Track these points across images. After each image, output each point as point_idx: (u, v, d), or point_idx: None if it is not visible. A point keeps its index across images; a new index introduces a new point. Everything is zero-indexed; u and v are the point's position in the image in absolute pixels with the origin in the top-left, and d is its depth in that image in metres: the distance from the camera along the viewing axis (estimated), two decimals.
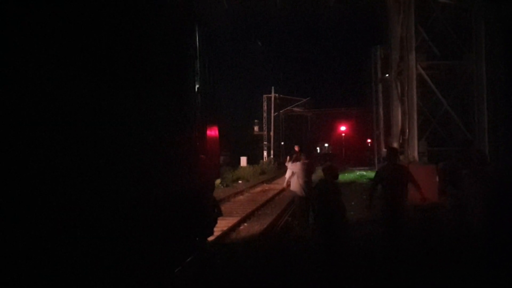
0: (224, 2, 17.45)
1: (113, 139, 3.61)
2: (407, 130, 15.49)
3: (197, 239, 6.16)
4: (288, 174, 9.71)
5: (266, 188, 21.08)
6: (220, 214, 7.12)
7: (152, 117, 4.45)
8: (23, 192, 2.55)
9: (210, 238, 6.99)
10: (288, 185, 9.75)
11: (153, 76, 4.53)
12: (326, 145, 72.46)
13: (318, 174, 9.28)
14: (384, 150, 21.52)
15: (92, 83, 3.30)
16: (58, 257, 2.85)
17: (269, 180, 25.67)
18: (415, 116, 15.46)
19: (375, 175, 6.62)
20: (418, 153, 15.25)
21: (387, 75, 20.81)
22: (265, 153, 44.22)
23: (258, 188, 21.14)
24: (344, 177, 22.92)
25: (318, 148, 71.96)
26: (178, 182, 5.22)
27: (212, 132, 6.59)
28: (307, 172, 9.35)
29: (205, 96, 6.18)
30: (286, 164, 10.05)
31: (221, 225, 8.56)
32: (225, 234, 8.88)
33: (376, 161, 26.30)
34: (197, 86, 5.93)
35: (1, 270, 2.45)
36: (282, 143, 49.97)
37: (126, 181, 3.83)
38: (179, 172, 5.28)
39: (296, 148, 10.30)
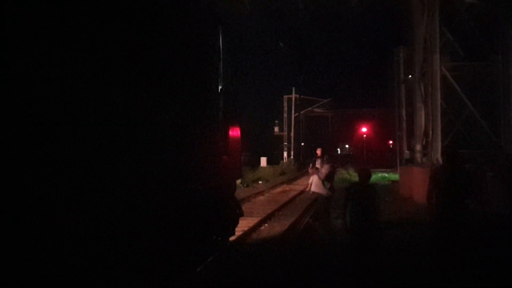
0: (246, 3, 17.47)
1: (137, 140, 3.65)
2: (431, 132, 15.28)
3: (219, 238, 6.20)
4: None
5: (287, 188, 21.04)
6: (241, 214, 7.14)
7: (177, 118, 4.49)
8: (60, 190, 2.62)
9: (232, 238, 7.03)
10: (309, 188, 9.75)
11: (178, 78, 4.57)
12: (347, 146, 72.07)
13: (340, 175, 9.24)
14: (407, 152, 21.29)
15: (121, 85, 3.35)
16: (87, 255, 2.89)
17: (289, 181, 25.62)
18: (439, 118, 15.23)
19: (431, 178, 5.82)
20: (441, 155, 15.02)
21: (410, 76, 20.57)
22: (285, 154, 44.12)
23: (278, 188, 21.11)
24: None
25: (338, 149, 71.62)
26: (201, 182, 5.25)
27: (234, 132, 6.61)
28: (330, 174, 9.37)
29: (228, 97, 6.22)
30: (310, 170, 10.09)
31: (242, 225, 8.57)
32: (246, 234, 8.89)
33: (398, 162, 26.02)
34: (220, 87, 5.97)
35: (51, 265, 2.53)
36: (302, 144, 49.85)
37: (151, 181, 3.87)
38: (202, 172, 5.32)
39: (318, 152, 10.27)
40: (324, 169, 9.28)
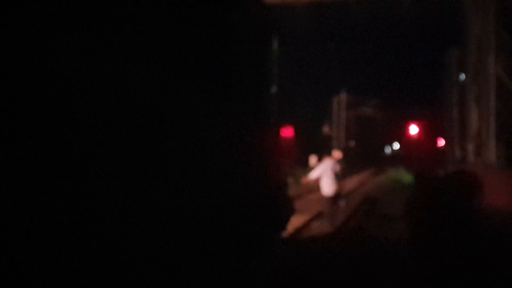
0: (298, 8, 17.70)
1: (200, 140, 3.92)
2: (484, 133, 15.02)
3: (272, 233, 6.43)
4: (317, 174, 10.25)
5: None
6: (293, 211, 7.36)
7: (236, 119, 4.78)
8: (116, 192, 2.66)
9: (284, 234, 7.24)
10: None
11: (237, 81, 4.87)
12: (396, 146, 70.62)
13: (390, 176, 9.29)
14: (459, 152, 20.86)
15: (188, 88, 3.65)
16: (143, 255, 2.92)
17: None
18: (493, 119, 14.95)
19: None
20: (496, 156, 14.74)
21: (463, 76, 20.17)
22: None
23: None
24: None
25: (388, 149, 70.28)
26: (256, 181, 5.50)
27: (287, 132, 6.87)
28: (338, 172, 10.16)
29: (281, 99, 6.47)
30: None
31: (294, 222, 8.81)
32: (298, 231, 9.15)
33: (449, 163, 25.50)
34: (274, 89, 6.22)
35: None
36: (352, 143, 49.45)
37: (212, 180, 4.12)
38: (258, 171, 5.57)
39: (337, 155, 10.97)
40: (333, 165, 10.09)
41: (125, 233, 2.62)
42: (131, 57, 2.83)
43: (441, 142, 38.75)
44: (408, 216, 4.26)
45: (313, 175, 10.23)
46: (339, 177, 10.21)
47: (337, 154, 10.87)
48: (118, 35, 2.71)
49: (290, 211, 7.11)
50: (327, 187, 9.85)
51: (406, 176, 20.97)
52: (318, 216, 11.52)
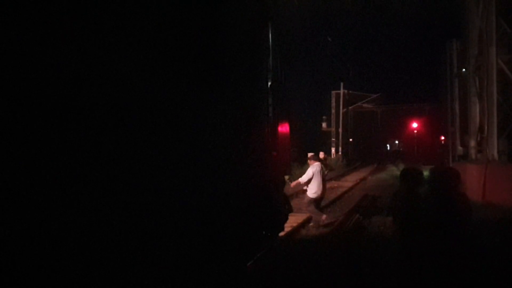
0: None
1: (189, 136, 3.73)
2: (486, 128, 14.73)
3: (268, 234, 6.24)
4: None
5: (335, 185, 20.85)
6: (290, 210, 7.15)
7: (227, 114, 4.55)
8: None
9: (281, 234, 7.05)
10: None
11: (228, 74, 4.63)
12: (397, 142, 70.58)
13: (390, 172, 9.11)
14: (460, 148, 20.62)
15: (169, 81, 3.43)
16: (140, 255, 2.94)
17: (338, 177, 25.36)
18: (495, 113, 14.65)
19: None
20: (498, 151, 14.47)
21: (463, 70, 19.89)
22: (333, 150, 43.66)
23: (327, 185, 20.90)
24: None
25: (388, 145, 70.26)
26: (251, 178, 5.30)
27: (283, 128, 6.62)
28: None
29: (277, 93, 6.23)
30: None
31: (291, 221, 8.61)
32: (295, 230, 8.92)
33: (450, 159, 25.25)
34: (269, 83, 5.99)
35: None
36: (351, 139, 49.22)
37: (202, 177, 3.95)
38: (252, 168, 5.36)
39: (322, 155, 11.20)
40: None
41: (115, 235, 2.64)
42: (117, 49, 2.72)
43: (442, 137, 38.59)
44: (392, 211, 4.64)
45: (304, 179, 10.09)
46: (325, 179, 10.59)
47: (322, 155, 11.01)
48: (105, 27, 2.63)
49: (287, 211, 6.91)
50: (315, 190, 9.89)
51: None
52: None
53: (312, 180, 9.93)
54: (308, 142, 36.88)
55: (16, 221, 2.03)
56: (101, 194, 2.53)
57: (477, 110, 15.80)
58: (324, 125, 47.42)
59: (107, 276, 2.58)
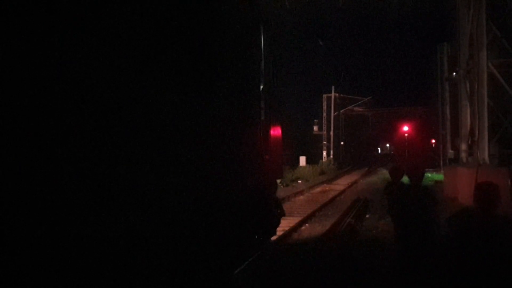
0: (286, 2, 17.42)
1: (179, 139, 3.68)
2: (477, 131, 14.78)
3: (260, 238, 6.19)
4: None
5: (327, 188, 20.86)
6: (282, 214, 7.11)
7: (218, 117, 4.51)
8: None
9: (273, 238, 7.01)
10: None
11: (219, 77, 4.59)
12: (388, 145, 70.86)
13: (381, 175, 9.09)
14: (451, 151, 20.70)
15: (160, 84, 3.38)
16: (128, 257, 2.92)
17: (329, 181, 25.39)
18: (486, 117, 14.70)
19: None
20: (489, 155, 14.52)
21: (454, 73, 19.98)
22: (324, 153, 43.73)
23: (318, 188, 20.95)
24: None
25: (379, 149, 70.52)
26: (243, 182, 5.26)
27: (275, 132, 6.60)
28: None
29: (269, 96, 6.20)
30: None
31: (283, 225, 8.55)
32: (287, 234, 8.87)
33: (441, 162, 25.36)
34: (261, 86, 5.96)
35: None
36: (342, 143, 49.32)
37: (192, 181, 3.90)
38: (244, 172, 5.33)
39: None
40: None
41: (103, 237, 2.63)
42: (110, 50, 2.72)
43: (433, 141, 38.78)
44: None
45: None
46: None
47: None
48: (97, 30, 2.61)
49: (279, 214, 6.88)
50: None
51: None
52: (308, 218, 11.28)
53: None
54: (300, 146, 36.92)
55: (16, 222, 2.03)
56: (88, 196, 2.48)
57: (468, 113, 15.85)
58: (315, 128, 47.49)
59: (93, 276, 2.55)
